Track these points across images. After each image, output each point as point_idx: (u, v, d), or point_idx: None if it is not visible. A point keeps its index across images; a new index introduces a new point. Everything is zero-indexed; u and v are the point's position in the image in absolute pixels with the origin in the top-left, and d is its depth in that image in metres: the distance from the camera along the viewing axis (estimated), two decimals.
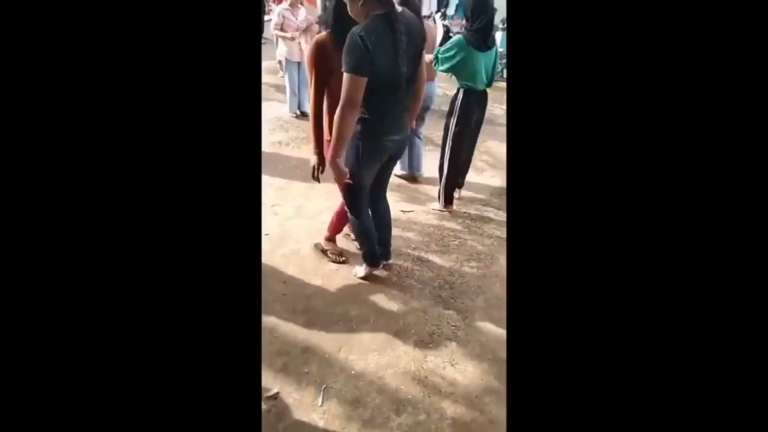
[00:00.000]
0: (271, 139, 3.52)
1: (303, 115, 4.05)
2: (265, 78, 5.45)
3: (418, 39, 1.43)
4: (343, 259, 2.05)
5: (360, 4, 1.34)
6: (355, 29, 1.29)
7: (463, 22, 2.33)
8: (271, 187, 2.74)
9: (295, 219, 2.42)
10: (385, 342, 1.64)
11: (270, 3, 6.30)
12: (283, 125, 3.87)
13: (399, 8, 1.36)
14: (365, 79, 1.31)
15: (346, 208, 1.77)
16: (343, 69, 1.30)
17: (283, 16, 3.59)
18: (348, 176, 1.54)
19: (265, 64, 6.11)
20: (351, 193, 1.67)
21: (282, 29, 3.59)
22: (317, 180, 1.74)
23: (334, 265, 2.04)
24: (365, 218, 1.77)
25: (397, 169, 3.11)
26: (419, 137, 2.87)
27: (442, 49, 2.24)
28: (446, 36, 9.21)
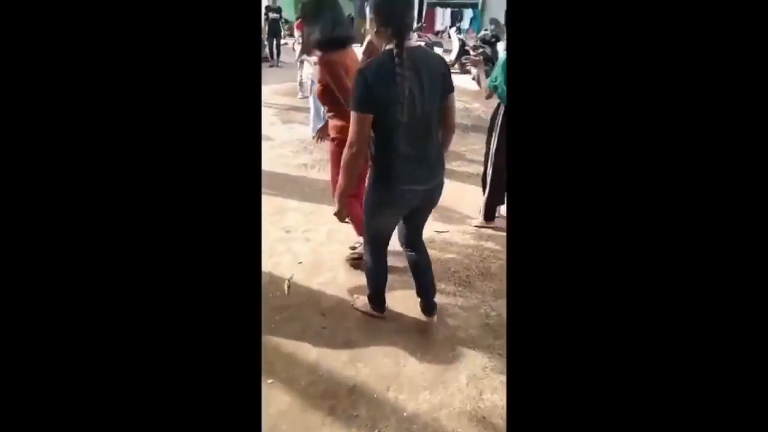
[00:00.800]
0: (295, 162, 3.49)
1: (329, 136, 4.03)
2: (284, 100, 5.50)
3: (440, 77, 1.29)
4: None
5: (374, 31, 1.28)
6: (362, 65, 1.26)
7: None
8: (299, 212, 2.69)
9: (328, 244, 2.35)
10: (435, 378, 1.53)
11: (295, 28, 6.40)
12: (307, 147, 3.85)
13: (416, 43, 1.30)
14: (368, 117, 1.23)
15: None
16: (349, 106, 1.27)
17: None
18: (346, 217, 1.49)
19: (284, 86, 6.20)
20: (367, 239, 1.60)
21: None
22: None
23: None
24: (378, 264, 1.64)
25: None
26: None
27: (499, 77, 2.11)
28: (462, 49, 9.22)
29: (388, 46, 1.24)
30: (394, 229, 1.58)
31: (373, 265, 1.64)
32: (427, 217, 1.59)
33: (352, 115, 1.24)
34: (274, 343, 1.65)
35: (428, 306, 1.70)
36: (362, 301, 1.81)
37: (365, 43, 3.21)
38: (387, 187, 1.37)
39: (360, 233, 2.22)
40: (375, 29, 1.26)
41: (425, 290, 1.69)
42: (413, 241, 1.64)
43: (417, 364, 1.59)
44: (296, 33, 4.06)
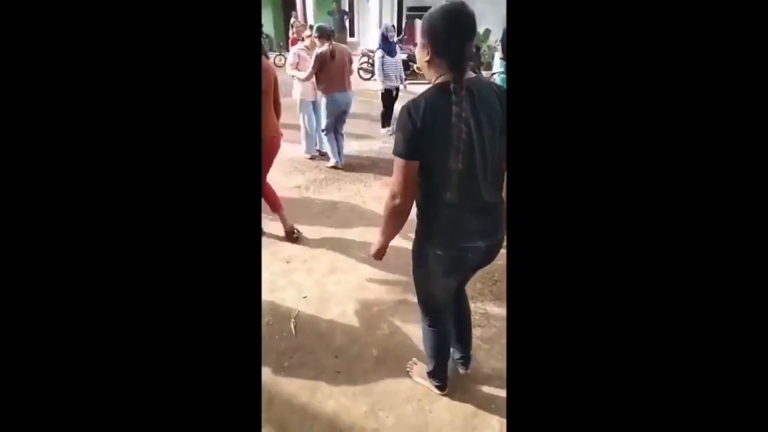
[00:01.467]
0: (288, 184, 3.36)
1: (321, 155, 3.91)
2: None
3: (499, 114, 1.03)
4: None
5: (426, 59, 1.02)
6: (408, 101, 1.02)
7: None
8: (296, 242, 2.54)
9: (332, 275, 2.22)
10: (465, 425, 1.41)
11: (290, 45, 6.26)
12: (298, 167, 3.72)
13: (471, 73, 1.02)
14: (414, 164, 1.03)
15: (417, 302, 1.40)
16: (392, 150, 1.06)
17: (299, 56, 3.49)
18: (374, 255, 1.26)
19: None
20: (426, 310, 1.37)
21: (297, 69, 3.48)
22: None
23: (387, 329, 1.83)
24: (440, 336, 1.40)
25: (332, 160, 3.72)
26: (342, 134, 3.76)
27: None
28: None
29: (441, 79, 1.01)
30: (453, 291, 1.32)
31: (433, 337, 1.39)
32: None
33: (397, 161, 1.04)
34: (286, 394, 1.50)
35: (466, 358, 1.56)
36: (419, 371, 1.57)
37: (314, 55, 3.29)
38: (446, 245, 1.13)
39: (273, 209, 2.45)
40: (426, 57, 1.02)
41: (465, 342, 1.54)
42: (458, 291, 1.44)
43: (444, 411, 1.46)
44: (291, 49, 3.93)
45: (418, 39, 1.07)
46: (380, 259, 1.28)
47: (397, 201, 1.07)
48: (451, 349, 1.55)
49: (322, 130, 3.64)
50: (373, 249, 1.25)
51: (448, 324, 1.41)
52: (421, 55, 1.05)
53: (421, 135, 0.99)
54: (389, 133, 4.84)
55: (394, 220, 1.13)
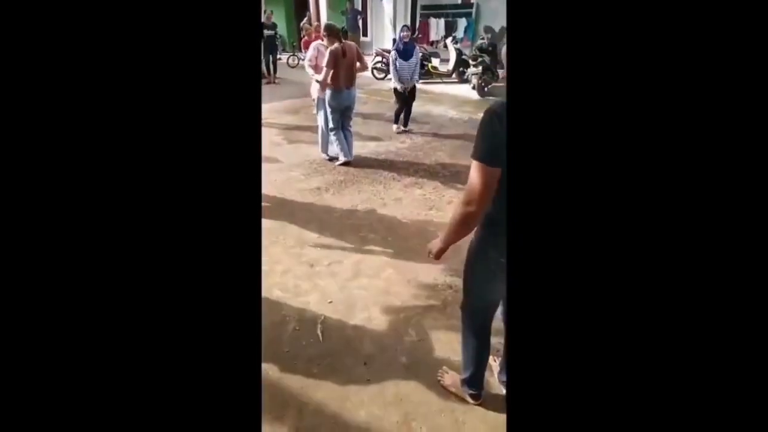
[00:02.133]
0: (308, 185, 3.34)
1: (330, 160, 3.87)
2: (287, 118, 5.37)
3: None
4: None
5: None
6: (493, 104, 0.98)
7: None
8: (320, 242, 2.52)
9: (356, 279, 2.19)
10: None
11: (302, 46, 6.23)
12: (317, 169, 3.70)
13: None
14: (496, 171, 0.97)
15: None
16: (471, 154, 1.00)
17: (318, 50, 3.47)
18: (435, 255, 1.20)
19: (285, 103, 6.07)
20: (471, 314, 1.33)
21: (316, 63, 3.46)
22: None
23: (415, 335, 1.80)
24: (481, 343, 1.36)
25: (341, 157, 3.74)
26: (350, 130, 3.74)
27: None
28: (459, 59, 9.19)
29: None
30: (501, 300, 1.31)
31: (475, 343, 1.36)
32: None
33: (477, 167, 0.98)
34: (316, 402, 1.48)
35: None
36: (452, 378, 1.53)
37: (327, 52, 3.28)
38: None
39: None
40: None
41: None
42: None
43: (479, 421, 1.42)
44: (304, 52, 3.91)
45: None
46: (438, 259, 1.23)
47: (472, 208, 1.01)
48: (498, 371, 1.51)
49: (331, 130, 3.62)
50: (435, 249, 1.19)
51: (489, 335, 1.37)
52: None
53: (502, 140, 0.92)
54: (399, 130, 4.80)
55: (463, 227, 1.07)
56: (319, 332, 1.81)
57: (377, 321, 1.89)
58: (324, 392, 1.52)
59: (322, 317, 1.89)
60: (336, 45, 3.30)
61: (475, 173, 0.99)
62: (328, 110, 3.55)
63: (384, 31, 10.93)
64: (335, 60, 3.28)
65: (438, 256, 1.20)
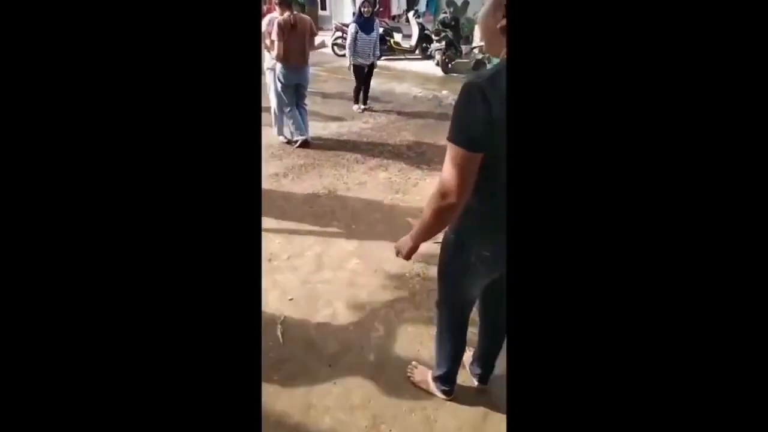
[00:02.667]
0: (264, 171, 3.12)
1: (288, 143, 3.64)
2: None
3: None
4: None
5: (500, 26, 0.83)
6: (473, 77, 0.82)
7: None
8: (279, 234, 2.36)
9: (319, 272, 2.06)
10: (474, 431, 1.31)
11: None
12: (274, 153, 3.47)
13: None
14: (478, 157, 0.83)
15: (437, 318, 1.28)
16: (447, 136, 0.85)
17: (272, 23, 3.17)
18: (405, 256, 1.07)
19: None
20: (448, 309, 1.22)
21: (269, 36, 3.17)
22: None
23: (382, 330, 1.70)
24: (457, 339, 1.27)
25: (297, 136, 3.51)
26: (304, 108, 3.54)
27: None
28: (422, 34, 9.03)
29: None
30: (480, 294, 1.20)
31: (451, 339, 1.27)
32: None
33: (455, 152, 0.83)
34: (278, 411, 1.36)
35: (485, 377, 1.43)
36: (423, 374, 1.45)
37: (275, 24, 3.09)
38: (494, 245, 0.97)
39: None
40: (501, 23, 0.83)
41: (490, 361, 1.40)
42: (498, 302, 1.25)
43: (450, 417, 1.36)
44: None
45: (488, 1, 0.87)
46: (409, 259, 1.09)
47: (451, 200, 0.86)
48: (471, 363, 1.44)
49: (286, 108, 3.40)
50: (404, 250, 1.05)
51: (466, 330, 1.27)
52: (492, 22, 0.85)
53: (493, 123, 0.79)
54: (360, 109, 4.62)
55: (439, 222, 0.93)
56: (279, 334, 1.67)
57: (342, 317, 1.77)
58: (285, 401, 1.40)
59: (282, 317, 1.76)
60: (285, 15, 3.06)
61: (452, 160, 0.83)
62: (279, 86, 3.31)
63: (343, 5, 10.45)
64: (283, 32, 3.04)
65: (408, 256, 1.06)
